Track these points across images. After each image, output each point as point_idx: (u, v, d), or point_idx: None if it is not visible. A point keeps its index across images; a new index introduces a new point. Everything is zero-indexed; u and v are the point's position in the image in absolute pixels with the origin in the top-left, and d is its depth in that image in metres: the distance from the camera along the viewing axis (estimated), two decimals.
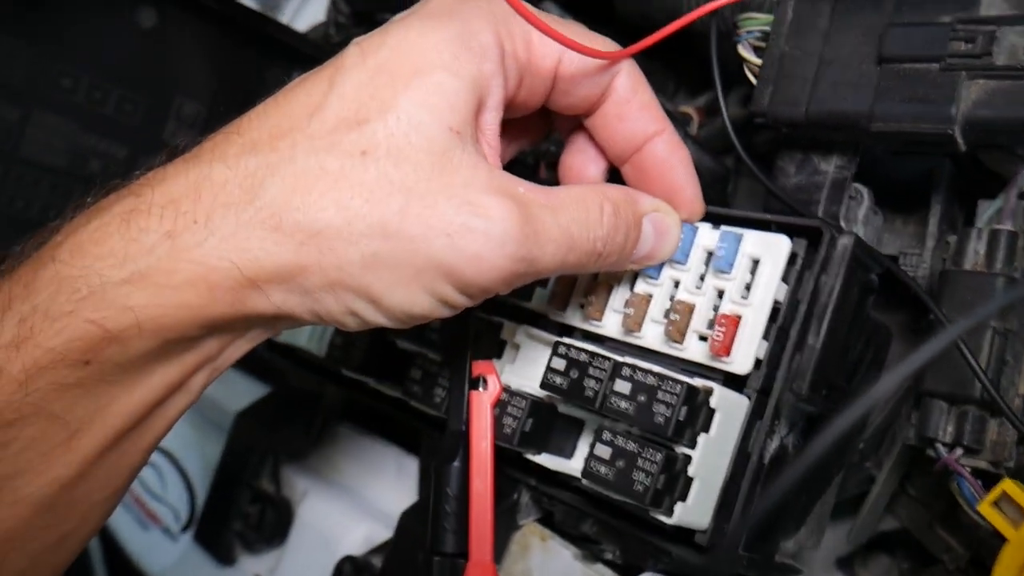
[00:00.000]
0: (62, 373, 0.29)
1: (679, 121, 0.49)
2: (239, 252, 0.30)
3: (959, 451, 0.36)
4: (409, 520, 0.46)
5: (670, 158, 0.37)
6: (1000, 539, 0.34)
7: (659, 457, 0.34)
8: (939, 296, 0.37)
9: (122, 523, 0.67)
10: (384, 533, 0.50)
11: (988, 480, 0.36)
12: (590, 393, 0.37)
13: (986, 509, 0.32)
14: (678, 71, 0.67)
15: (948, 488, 0.44)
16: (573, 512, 0.42)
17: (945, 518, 0.45)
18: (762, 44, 0.39)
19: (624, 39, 0.66)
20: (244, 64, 0.64)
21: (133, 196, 0.30)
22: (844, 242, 0.35)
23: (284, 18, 0.74)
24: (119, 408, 0.31)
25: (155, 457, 0.66)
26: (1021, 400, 0.37)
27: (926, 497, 0.46)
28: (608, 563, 0.42)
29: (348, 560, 0.48)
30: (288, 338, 0.51)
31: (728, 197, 0.56)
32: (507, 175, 0.32)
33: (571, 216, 0.33)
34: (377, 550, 0.49)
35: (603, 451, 0.36)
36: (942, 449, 0.37)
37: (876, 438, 0.47)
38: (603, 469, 0.36)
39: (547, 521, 0.45)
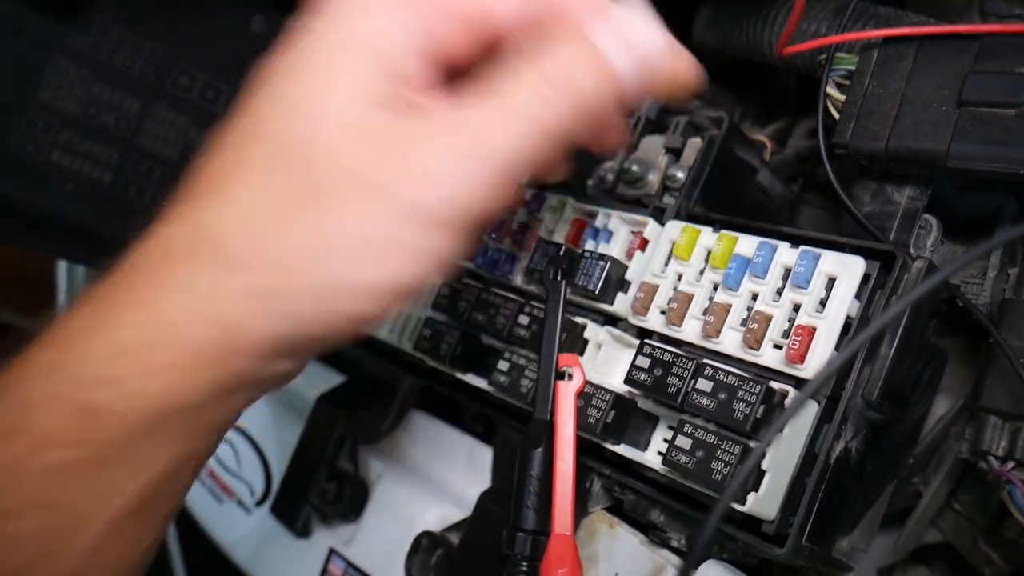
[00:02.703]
0: (56, 457, 0.28)
1: (757, 148, 0.52)
2: (216, 313, 0.29)
3: (1011, 464, 0.39)
4: (487, 500, 0.50)
5: None
6: None
7: (737, 449, 0.38)
8: (999, 322, 0.41)
9: (195, 495, 0.71)
10: (457, 514, 0.53)
11: None
12: (673, 389, 0.41)
13: None
14: (745, 101, 0.71)
15: (993, 504, 0.48)
16: (643, 501, 0.46)
17: (989, 533, 0.48)
18: (846, 82, 0.43)
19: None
20: None
21: (110, 281, 0.30)
22: (919, 265, 0.38)
23: None
24: (122, 488, 0.30)
25: (231, 435, 0.71)
26: None
27: (971, 512, 0.49)
28: (674, 549, 0.45)
29: (426, 535, 0.51)
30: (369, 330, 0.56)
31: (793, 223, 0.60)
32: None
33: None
34: (452, 528, 0.52)
35: (684, 442, 0.40)
36: (994, 462, 0.40)
37: (926, 456, 0.51)
38: (683, 458, 0.39)
39: (615, 510, 0.49)
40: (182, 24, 0.59)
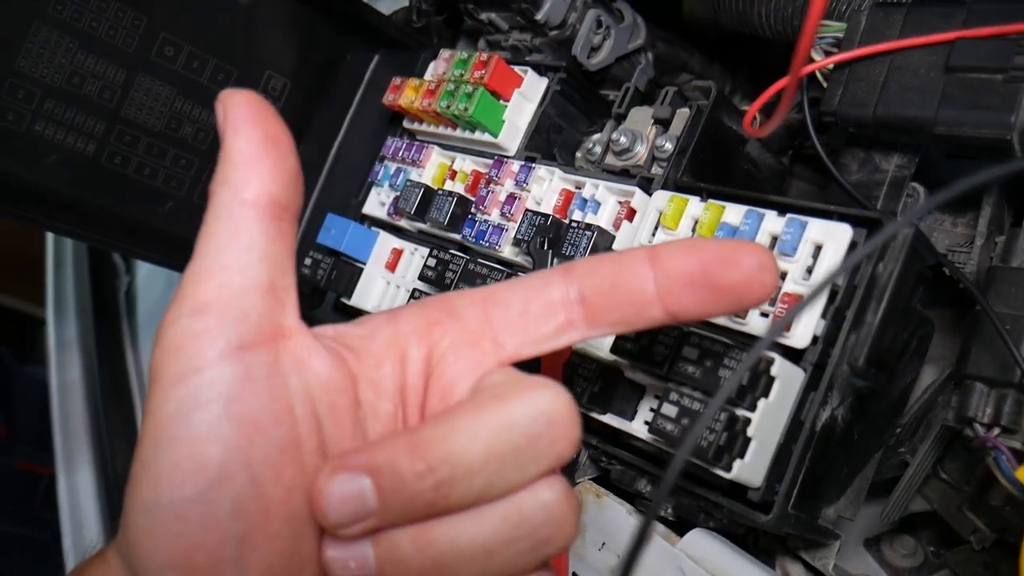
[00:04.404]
0: None
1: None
2: None
3: (996, 431, 0.39)
4: None
5: None
6: None
7: (723, 416, 0.38)
8: (986, 290, 0.41)
9: None
10: None
11: (1021, 460, 0.39)
12: (659, 357, 0.41)
13: None
14: (735, 73, 0.70)
15: (979, 472, 0.48)
16: (629, 471, 0.46)
17: (974, 501, 0.49)
18: (834, 49, 0.43)
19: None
20: (327, 41, 0.67)
21: None
22: (905, 232, 0.38)
23: None
24: None
25: None
26: None
27: (957, 481, 0.49)
28: (660, 519, 0.45)
29: None
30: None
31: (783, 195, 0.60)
32: None
33: None
34: None
35: (670, 410, 0.39)
36: (980, 429, 0.40)
37: (913, 425, 0.51)
38: (669, 426, 0.39)
39: (602, 480, 0.49)
40: None
